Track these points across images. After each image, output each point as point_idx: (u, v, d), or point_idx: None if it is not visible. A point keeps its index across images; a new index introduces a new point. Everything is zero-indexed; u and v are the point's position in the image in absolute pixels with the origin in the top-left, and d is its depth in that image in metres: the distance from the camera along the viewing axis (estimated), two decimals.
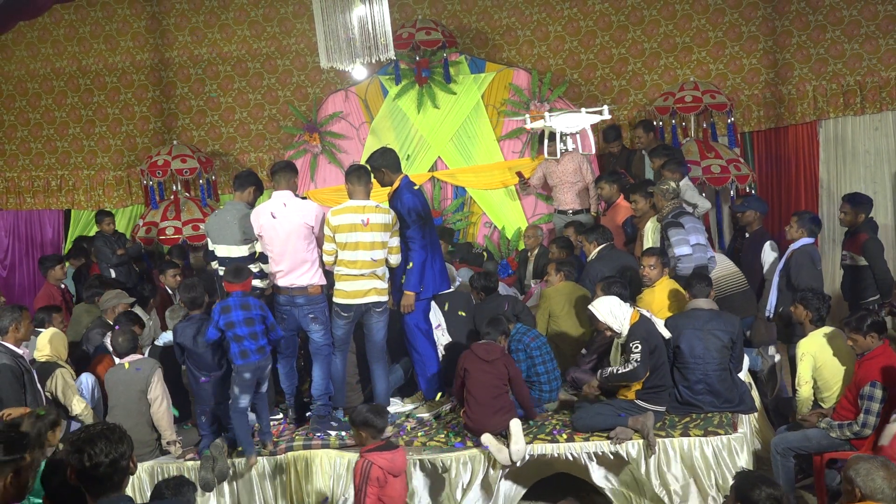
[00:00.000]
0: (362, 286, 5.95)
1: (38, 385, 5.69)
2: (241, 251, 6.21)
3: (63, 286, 8.57)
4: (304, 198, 6.49)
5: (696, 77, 9.58)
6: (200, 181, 10.13)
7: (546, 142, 8.57)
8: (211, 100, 10.93)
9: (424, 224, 6.17)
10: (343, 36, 6.18)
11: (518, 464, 5.56)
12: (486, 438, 5.56)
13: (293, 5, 10.68)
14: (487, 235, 9.75)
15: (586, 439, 5.60)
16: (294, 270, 6.00)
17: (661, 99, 9.33)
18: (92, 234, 9.81)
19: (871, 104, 9.43)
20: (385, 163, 6.23)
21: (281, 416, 6.46)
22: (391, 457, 4.70)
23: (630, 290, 6.37)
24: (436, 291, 6.40)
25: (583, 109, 8.54)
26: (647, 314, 5.81)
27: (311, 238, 6.01)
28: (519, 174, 9.29)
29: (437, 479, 5.75)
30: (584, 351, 6.54)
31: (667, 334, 5.77)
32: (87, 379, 6.37)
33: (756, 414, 5.96)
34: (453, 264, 8.16)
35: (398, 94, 9.75)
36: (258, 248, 6.17)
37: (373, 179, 6.19)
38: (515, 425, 5.57)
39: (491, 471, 5.64)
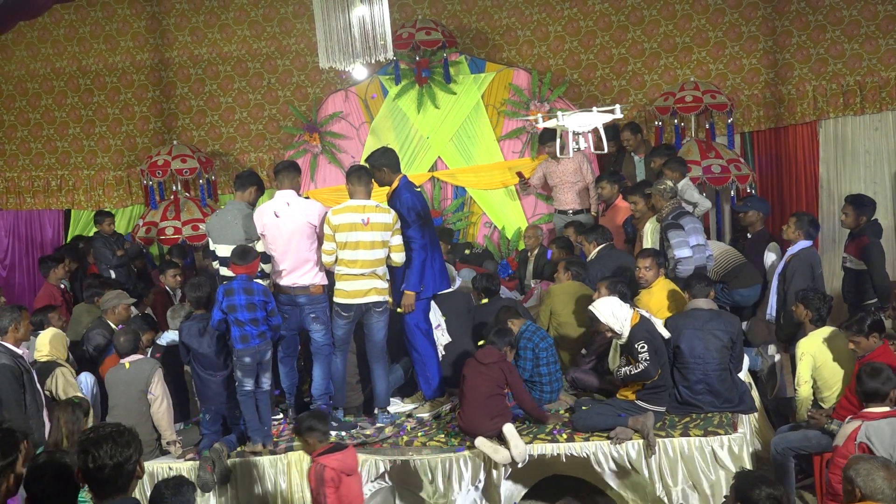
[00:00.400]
0: (362, 286, 5.96)
1: (38, 385, 5.68)
2: None
3: (63, 286, 8.58)
4: (306, 197, 6.49)
5: (696, 77, 9.57)
6: (200, 181, 10.13)
7: (558, 141, 8.56)
8: (211, 100, 10.93)
9: (424, 224, 6.18)
10: (343, 36, 6.18)
11: (520, 464, 5.57)
12: (480, 442, 5.57)
13: (293, 5, 10.68)
14: (487, 235, 9.74)
15: (586, 439, 5.59)
16: (296, 270, 6.01)
17: (661, 99, 9.31)
18: (91, 234, 9.81)
19: (871, 104, 9.43)
20: (386, 162, 6.23)
21: (281, 416, 6.46)
22: (342, 457, 4.77)
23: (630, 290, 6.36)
24: (436, 291, 6.39)
25: (594, 108, 8.52)
26: (647, 315, 5.81)
27: (314, 237, 6.03)
28: (519, 174, 9.29)
29: (436, 480, 5.75)
30: (584, 351, 6.54)
31: (666, 334, 5.76)
32: (86, 378, 6.38)
33: (756, 414, 5.96)
34: (454, 264, 8.15)
35: (398, 94, 9.75)
36: (259, 247, 6.17)
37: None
38: (509, 429, 5.56)
39: (493, 471, 5.64)
